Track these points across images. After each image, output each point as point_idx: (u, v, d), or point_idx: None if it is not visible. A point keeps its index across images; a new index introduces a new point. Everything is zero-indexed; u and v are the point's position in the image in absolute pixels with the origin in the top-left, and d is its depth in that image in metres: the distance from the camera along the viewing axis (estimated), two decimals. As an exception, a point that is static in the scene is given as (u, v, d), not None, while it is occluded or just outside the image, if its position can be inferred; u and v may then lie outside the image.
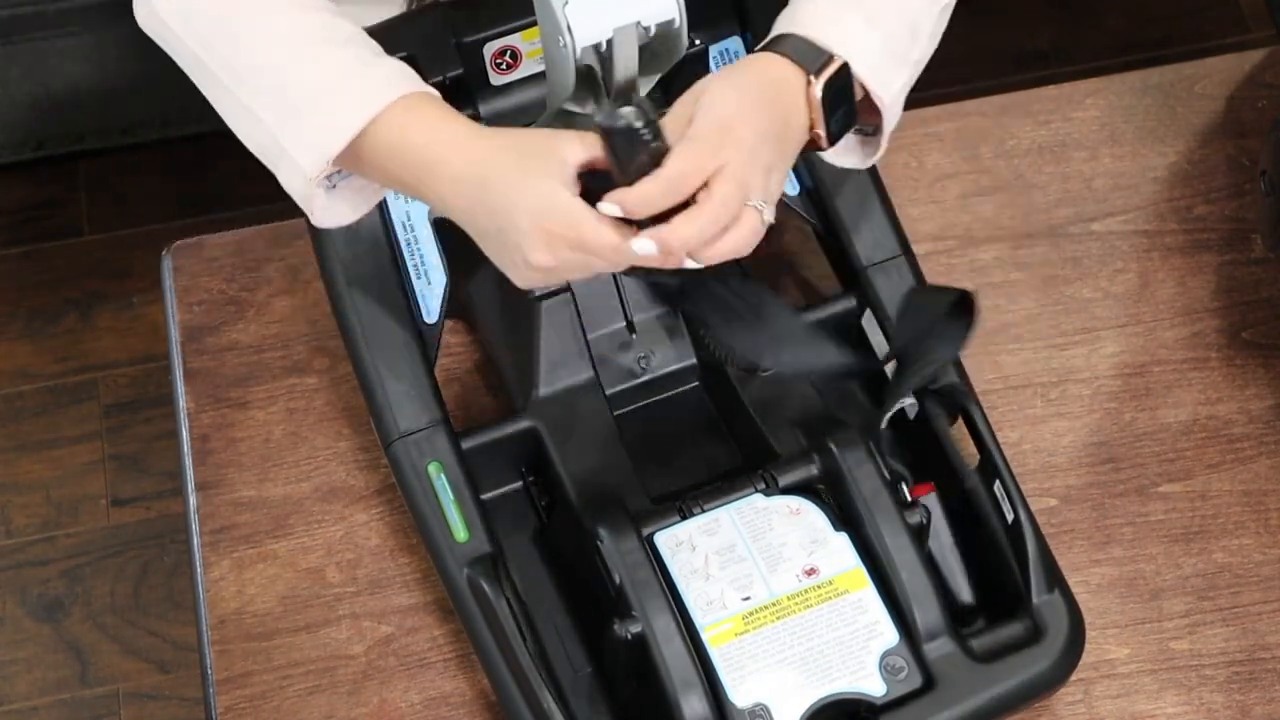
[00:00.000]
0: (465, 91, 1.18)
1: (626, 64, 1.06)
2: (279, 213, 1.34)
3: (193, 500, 1.25)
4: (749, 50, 1.24)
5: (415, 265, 1.20)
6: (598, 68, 1.08)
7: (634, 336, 1.22)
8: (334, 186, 1.11)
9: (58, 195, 2.21)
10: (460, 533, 1.14)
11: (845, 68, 1.07)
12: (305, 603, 1.22)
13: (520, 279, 1.05)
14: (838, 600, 1.10)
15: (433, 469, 1.16)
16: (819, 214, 1.24)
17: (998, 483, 1.15)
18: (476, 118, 1.18)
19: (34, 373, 2.10)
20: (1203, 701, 1.18)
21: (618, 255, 1.02)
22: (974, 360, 1.29)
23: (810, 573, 1.11)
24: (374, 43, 1.10)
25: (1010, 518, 1.14)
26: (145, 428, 2.06)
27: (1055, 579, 1.14)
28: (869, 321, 1.22)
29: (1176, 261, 1.34)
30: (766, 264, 1.31)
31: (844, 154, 1.15)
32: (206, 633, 1.21)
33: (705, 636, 1.09)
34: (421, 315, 1.20)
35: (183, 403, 1.29)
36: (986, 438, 1.16)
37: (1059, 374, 1.29)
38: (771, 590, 1.10)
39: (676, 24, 1.05)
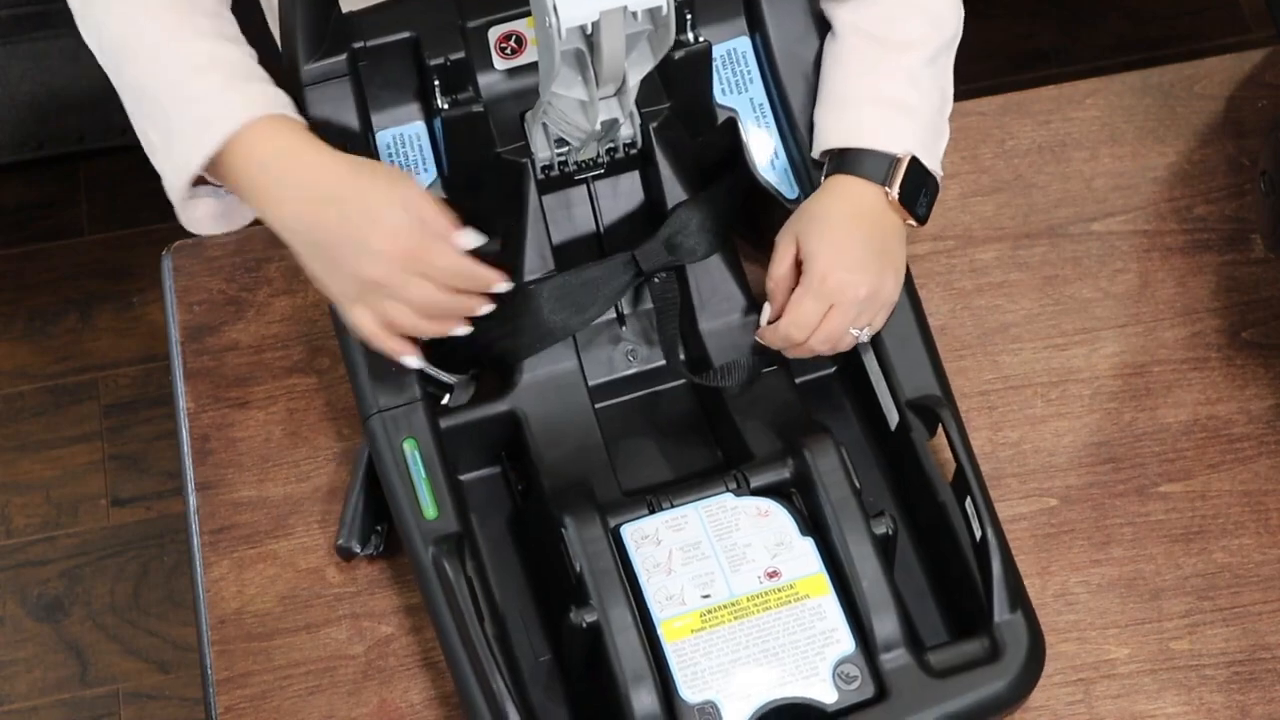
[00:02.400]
0: (465, 73, 1.18)
1: (613, 50, 1.06)
2: (279, 213, 1.34)
3: (193, 500, 1.25)
4: (755, 53, 1.25)
5: None
6: (587, 52, 1.08)
7: (624, 329, 1.22)
8: (223, 195, 1.16)
9: (58, 195, 2.21)
10: (429, 510, 1.14)
11: (914, 162, 1.19)
12: (305, 603, 1.22)
13: (350, 286, 1.10)
14: (797, 605, 1.09)
15: (408, 445, 1.16)
16: None
17: (969, 499, 1.14)
18: (476, 98, 1.18)
19: (34, 373, 2.10)
20: (1203, 701, 1.18)
21: (454, 259, 1.09)
22: (974, 360, 1.29)
23: (772, 575, 1.10)
24: (258, 69, 1.15)
25: (979, 535, 1.14)
26: (145, 428, 2.06)
27: (1019, 599, 1.13)
28: (865, 349, 1.22)
29: (1176, 261, 1.34)
30: (759, 269, 1.31)
31: None
32: (206, 633, 1.21)
33: (661, 631, 1.08)
34: None
35: (183, 403, 1.29)
36: (961, 453, 1.15)
37: (1059, 374, 1.29)
38: (732, 590, 1.10)
39: (664, 12, 1.05)
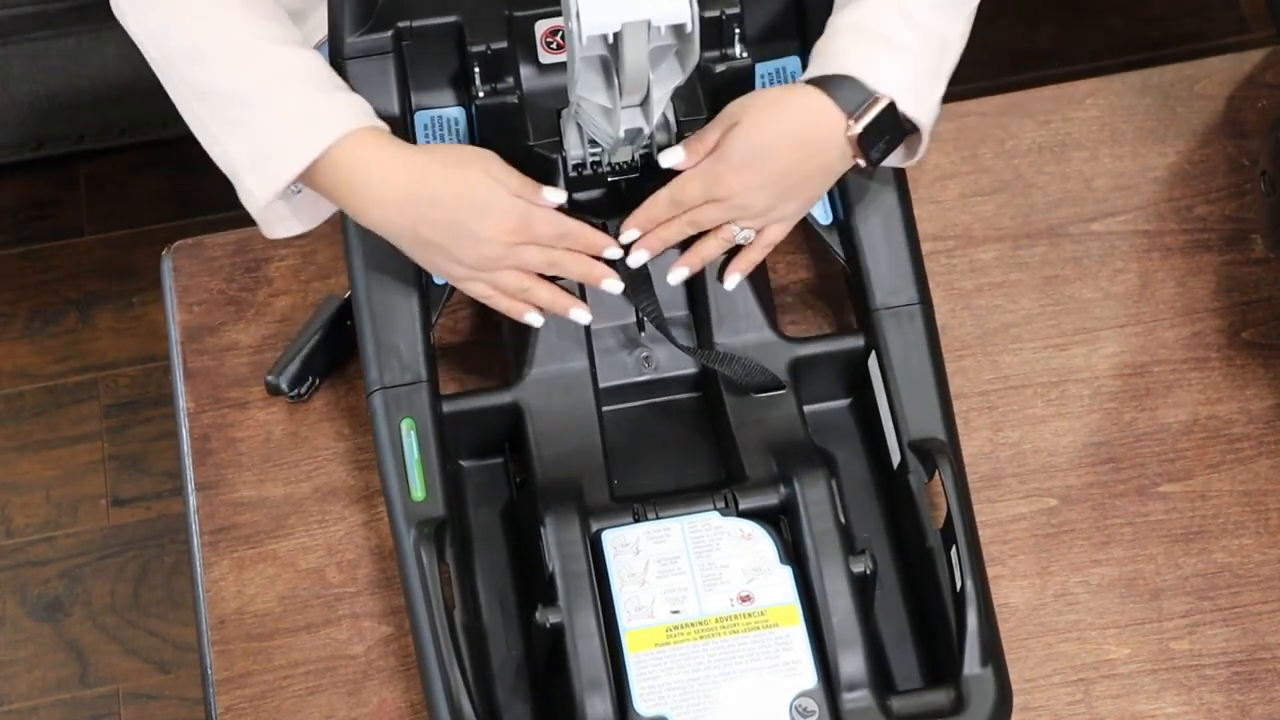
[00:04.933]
0: (506, 63, 1.19)
1: (636, 62, 1.06)
2: (279, 213, 1.34)
3: (193, 500, 1.25)
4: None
5: None
6: (612, 60, 1.08)
7: (642, 335, 1.22)
8: (298, 192, 1.17)
9: (58, 195, 2.21)
10: (418, 492, 1.15)
11: (890, 106, 1.13)
12: (305, 603, 1.22)
13: (463, 269, 1.14)
14: (765, 632, 1.08)
15: (405, 425, 1.16)
16: (846, 247, 1.22)
17: (954, 548, 1.13)
18: (514, 89, 1.18)
19: (34, 373, 2.10)
20: (1203, 701, 1.18)
21: (556, 227, 1.13)
22: (974, 360, 1.29)
23: (745, 599, 1.09)
24: (335, 77, 1.16)
25: (959, 586, 1.12)
26: (145, 428, 2.06)
27: (992, 654, 1.11)
28: (873, 365, 1.21)
29: (1176, 261, 1.34)
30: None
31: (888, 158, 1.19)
32: (206, 633, 1.21)
33: (625, 641, 1.08)
34: (431, 277, 1.20)
35: (183, 403, 1.29)
36: (953, 501, 1.14)
37: (1059, 374, 1.29)
38: (702, 608, 1.09)
39: (688, 29, 1.05)
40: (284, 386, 1.26)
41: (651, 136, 1.18)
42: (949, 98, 1.21)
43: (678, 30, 1.05)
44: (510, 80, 1.19)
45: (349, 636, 1.21)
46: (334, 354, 1.28)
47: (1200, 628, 1.20)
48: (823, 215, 1.23)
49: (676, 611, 1.09)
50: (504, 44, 1.18)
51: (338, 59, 1.20)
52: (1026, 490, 1.25)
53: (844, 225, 1.22)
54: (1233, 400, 1.28)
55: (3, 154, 2.17)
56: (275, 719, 1.18)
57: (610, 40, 1.06)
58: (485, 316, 1.30)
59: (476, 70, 1.18)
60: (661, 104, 1.11)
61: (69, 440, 2.06)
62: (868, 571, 1.11)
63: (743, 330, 1.21)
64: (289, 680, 1.19)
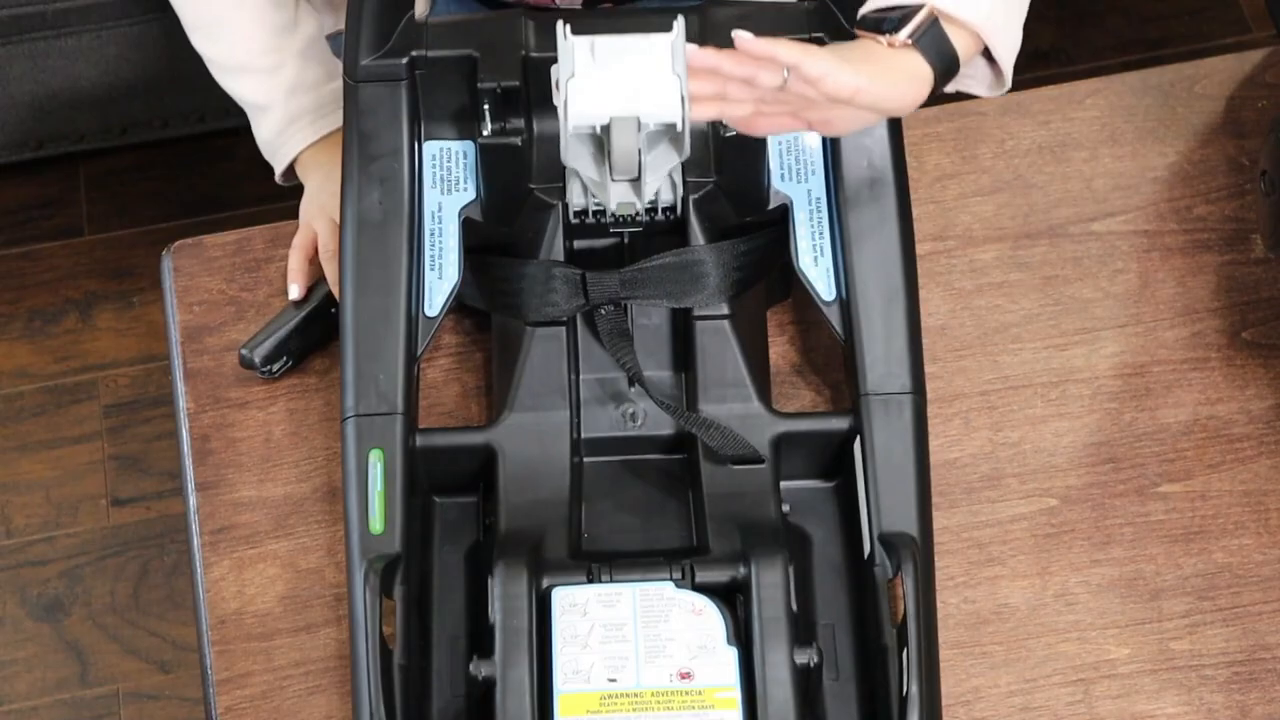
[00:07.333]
0: (517, 103, 1.17)
1: (624, 150, 1.05)
2: (279, 213, 1.35)
3: (193, 500, 1.25)
4: (824, 144, 1.22)
5: (432, 256, 1.20)
6: (604, 139, 1.07)
7: (631, 390, 1.20)
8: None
9: (58, 195, 2.21)
10: (376, 524, 1.13)
11: (928, 13, 1.09)
12: (305, 603, 1.22)
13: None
14: (700, 713, 1.06)
15: (373, 455, 1.15)
16: (844, 326, 1.20)
17: (905, 651, 1.11)
18: (522, 130, 1.17)
19: (34, 373, 2.10)
20: (1203, 701, 1.18)
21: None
22: (974, 360, 1.29)
23: (685, 676, 1.07)
24: (306, 91, 1.35)
25: (905, 690, 1.10)
26: (145, 428, 2.06)
27: None
28: (858, 450, 1.18)
29: (1176, 261, 1.34)
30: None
31: (973, 83, 1.19)
32: (206, 633, 1.21)
33: (557, 704, 1.06)
34: (423, 306, 1.19)
35: (183, 403, 1.29)
36: (911, 602, 1.10)
37: (1059, 374, 1.29)
38: (640, 681, 1.07)
39: (679, 129, 1.04)
40: (256, 362, 1.26)
41: (656, 194, 1.16)
42: (949, 98, 1.21)
43: (666, 126, 1.05)
44: (519, 121, 1.17)
45: (349, 637, 1.20)
46: (312, 339, 1.28)
47: (1200, 628, 1.20)
48: (826, 290, 1.21)
49: (614, 680, 1.07)
50: (516, 83, 1.16)
51: (350, 80, 1.19)
52: (1026, 490, 1.25)
53: (845, 302, 1.20)
54: (1233, 400, 1.28)
55: (3, 154, 2.17)
56: (275, 719, 1.18)
57: (597, 131, 1.05)
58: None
59: (486, 107, 1.17)
60: (655, 185, 1.10)
61: (69, 440, 2.06)
62: (811, 664, 1.09)
63: (729, 399, 1.18)
64: (289, 680, 1.19)
